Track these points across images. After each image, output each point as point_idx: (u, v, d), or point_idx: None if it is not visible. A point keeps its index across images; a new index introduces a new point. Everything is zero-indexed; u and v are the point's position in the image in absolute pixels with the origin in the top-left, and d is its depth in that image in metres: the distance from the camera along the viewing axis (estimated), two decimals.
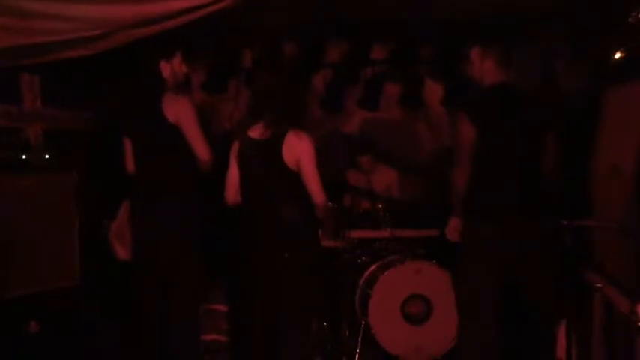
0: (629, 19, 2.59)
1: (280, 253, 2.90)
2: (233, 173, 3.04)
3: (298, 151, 2.85)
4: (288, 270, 2.92)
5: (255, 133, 2.95)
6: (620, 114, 2.76)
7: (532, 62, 3.75)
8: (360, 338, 3.86)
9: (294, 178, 2.88)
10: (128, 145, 3.22)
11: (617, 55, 2.76)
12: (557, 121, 3.06)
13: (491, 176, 3.06)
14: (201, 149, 3.03)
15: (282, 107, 2.93)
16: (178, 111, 3.01)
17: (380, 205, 4.32)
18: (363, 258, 4.31)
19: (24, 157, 3.53)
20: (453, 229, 3.12)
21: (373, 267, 4.12)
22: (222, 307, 4.04)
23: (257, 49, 4.75)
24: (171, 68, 3.10)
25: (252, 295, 3.06)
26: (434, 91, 4.90)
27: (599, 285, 2.59)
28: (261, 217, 2.96)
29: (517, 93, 3.09)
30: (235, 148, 3.03)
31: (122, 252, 3.29)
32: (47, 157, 3.62)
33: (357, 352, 3.84)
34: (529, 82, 3.43)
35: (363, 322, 3.88)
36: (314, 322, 3.63)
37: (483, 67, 3.09)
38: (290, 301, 2.96)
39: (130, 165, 3.21)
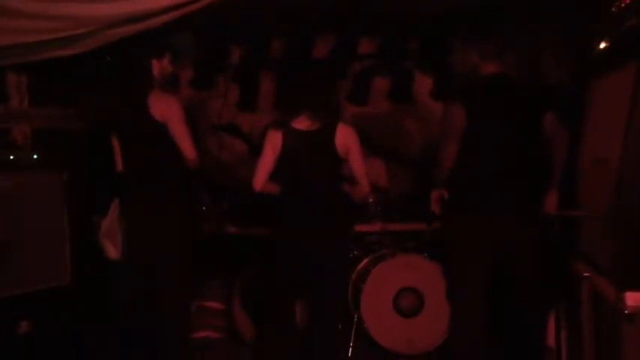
0: (613, 9, 2.61)
1: (327, 238, 3.09)
2: (267, 161, 3.14)
3: (349, 141, 3.07)
4: (334, 257, 3.11)
5: (302, 124, 3.08)
6: (605, 104, 2.78)
7: (518, 54, 3.75)
8: (352, 332, 3.87)
9: (340, 167, 3.09)
10: (116, 144, 3.21)
11: (602, 45, 2.77)
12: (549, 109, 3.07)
13: (480, 166, 3.07)
14: (187, 147, 3.03)
15: (327, 99, 3.13)
16: (165, 109, 3.01)
17: (371, 199, 4.32)
18: (355, 252, 4.31)
19: (12, 157, 3.52)
20: (435, 200, 3.16)
21: (365, 261, 4.12)
22: (214, 304, 4.05)
23: (244, 45, 4.74)
24: (160, 67, 3.10)
25: (288, 285, 3.19)
26: (423, 84, 4.91)
27: (586, 274, 2.60)
28: (309, 203, 3.08)
29: (511, 84, 3.10)
30: (276, 138, 3.11)
31: (112, 251, 3.27)
32: (35, 156, 3.61)
33: (350, 346, 3.85)
34: (516, 74, 3.44)
35: (356, 316, 3.89)
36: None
37: (477, 59, 3.11)
38: (334, 289, 3.19)
39: (119, 163, 3.21)
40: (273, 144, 3.11)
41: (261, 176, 3.15)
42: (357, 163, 3.10)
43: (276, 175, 3.17)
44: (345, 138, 3.06)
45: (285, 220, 3.16)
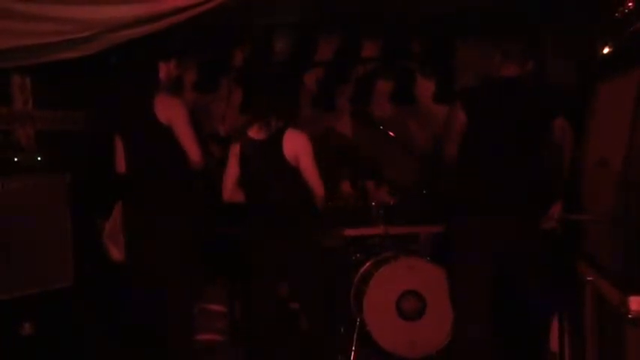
0: (617, 14, 2.61)
1: (290, 244, 3.09)
2: (232, 172, 3.19)
3: (297, 147, 3.05)
4: (297, 259, 3.11)
5: (255, 133, 3.10)
6: (610, 108, 2.78)
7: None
8: (355, 335, 3.87)
9: (294, 173, 3.05)
10: (120, 146, 3.21)
11: (606, 50, 2.78)
12: (556, 108, 3.06)
13: (481, 169, 3.08)
14: (192, 150, 3.04)
15: (276, 106, 3.10)
16: (170, 112, 3.02)
17: (373, 203, 4.33)
18: (357, 255, 4.32)
19: (15, 159, 3.53)
20: None
21: (367, 264, 4.12)
22: (217, 307, 4.05)
23: (248, 47, 4.75)
24: (167, 70, 3.11)
25: (266, 287, 3.20)
26: (425, 87, 4.91)
27: (590, 278, 2.60)
28: (266, 211, 3.11)
29: (522, 88, 3.08)
30: (236, 148, 3.16)
31: (116, 253, 3.28)
32: (39, 158, 3.62)
33: (352, 350, 3.85)
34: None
35: (358, 319, 3.89)
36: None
37: (499, 59, 3.10)
38: (307, 291, 3.19)
39: (122, 165, 3.21)
40: (235, 154, 3.17)
41: (227, 186, 3.21)
42: (306, 168, 3.07)
43: (240, 183, 3.21)
44: (293, 145, 3.04)
45: (249, 227, 3.20)
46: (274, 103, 3.12)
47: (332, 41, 4.77)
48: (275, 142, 3.04)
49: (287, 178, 3.07)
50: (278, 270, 3.16)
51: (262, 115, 3.08)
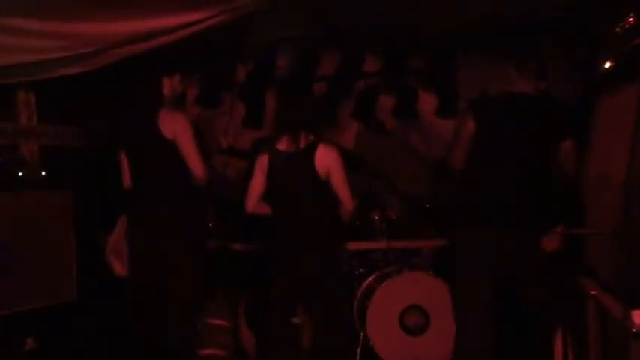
0: (617, 29, 2.64)
1: (314, 256, 3.09)
2: (257, 184, 3.20)
3: (329, 162, 3.07)
4: (321, 272, 3.11)
5: (284, 146, 3.12)
6: (610, 122, 2.80)
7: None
8: (358, 350, 3.86)
9: (323, 187, 3.07)
10: (124, 161, 3.23)
11: (607, 65, 2.80)
12: (566, 130, 3.06)
13: (487, 180, 3.08)
14: (196, 165, 3.05)
15: (309, 120, 3.14)
16: (175, 127, 3.03)
17: (376, 217, 4.33)
18: (360, 269, 4.31)
19: (20, 174, 3.54)
20: None
21: (371, 278, 4.12)
22: (220, 322, 4.04)
23: (251, 63, 4.78)
24: (171, 85, 3.14)
25: (282, 301, 3.20)
26: (427, 102, 4.93)
27: (593, 292, 2.60)
28: (294, 224, 3.13)
29: (532, 104, 3.07)
30: (264, 161, 3.17)
31: (119, 268, 3.28)
32: (43, 173, 3.63)
33: None
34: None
35: (362, 334, 3.88)
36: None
37: (514, 74, 3.11)
38: (328, 305, 3.17)
39: (127, 180, 3.23)
40: (262, 167, 3.18)
41: (252, 199, 3.22)
42: (338, 183, 3.09)
43: (266, 196, 3.21)
44: (325, 159, 3.06)
45: (273, 240, 3.19)
46: (305, 116, 3.15)
47: (334, 56, 4.80)
48: (307, 155, 3.06)
49: (317, 191, 3.08)
50: (297, 285, 3.15)
51: (293, 129, 3.10)
